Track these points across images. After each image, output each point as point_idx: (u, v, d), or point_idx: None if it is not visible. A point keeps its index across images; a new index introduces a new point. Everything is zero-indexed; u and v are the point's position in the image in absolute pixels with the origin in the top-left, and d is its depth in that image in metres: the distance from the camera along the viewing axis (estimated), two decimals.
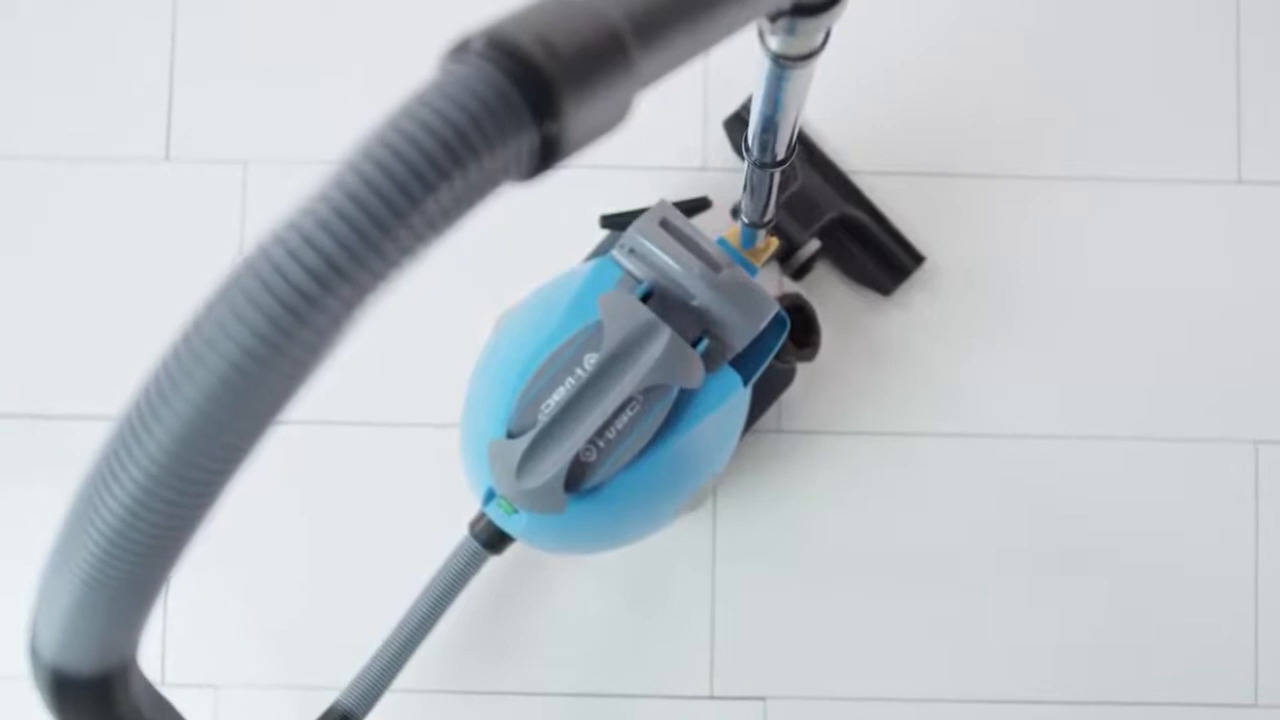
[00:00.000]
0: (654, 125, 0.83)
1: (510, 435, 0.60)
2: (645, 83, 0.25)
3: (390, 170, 0.21)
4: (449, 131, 0.21)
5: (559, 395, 0.60)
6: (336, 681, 0.68)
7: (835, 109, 0.85)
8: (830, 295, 0.86)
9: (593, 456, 0.60)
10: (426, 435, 0.84)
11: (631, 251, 0.63)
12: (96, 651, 0.26)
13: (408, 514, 0.84)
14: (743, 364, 0.63)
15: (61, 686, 0.26)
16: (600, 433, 0.60)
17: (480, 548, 0.67)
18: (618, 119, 0.25)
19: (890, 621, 0.83)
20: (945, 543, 0.84)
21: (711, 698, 0.83)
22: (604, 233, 0.80)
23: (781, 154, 0.51)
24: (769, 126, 0.47)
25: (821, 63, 0.39)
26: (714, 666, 0.83)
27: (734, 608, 0.83)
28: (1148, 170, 0.87)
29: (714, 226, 0.75)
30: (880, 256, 0.84)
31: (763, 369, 0.65)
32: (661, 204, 0.65)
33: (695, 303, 0.62)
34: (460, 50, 0.22)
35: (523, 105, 0.22)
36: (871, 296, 0.85)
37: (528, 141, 0.22)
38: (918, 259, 0.84)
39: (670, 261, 0.62)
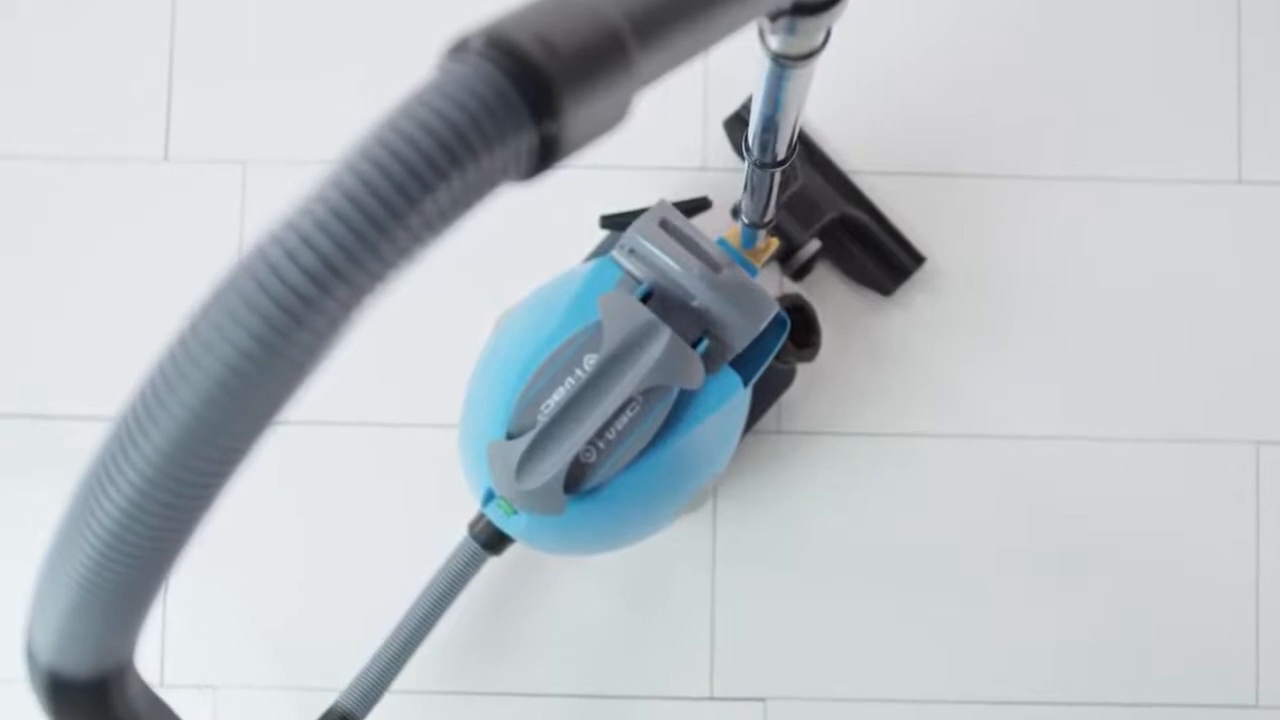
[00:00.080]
0: (654, 125, 0.83)
1: (510, 436, 0.60)
2: (645, 82, 0.25)
3: (388, 170, 0.21)
4: (447, 131, 0.21)
5: (558, 396, 0.60)
6: (336, 682, 0.68)
7: (835, 109, 0.85)
8: (830, 296, 0.86)
9: (592, 457, 0.60)
10: (426, 436, 0.84)
11: (631, 252, 0.63)
12: (93, 654, 0.26)
13: (407, 515, 0.84)
14: (743, 365, 0.63)
15: (58, 689, 0.26)
16: (600, 434, 0.60)
17: (480, 548, 0.66)
18: (617, 119, 0.25)
19: (890, 622, 0.83)
20: (945, 543, 0.84)
21: (711, 699, 0.83)
22: (604, 233, 0.80)
23: (782, 154, 0.51)
24: (769, 126, 0.47)
25: (821, 63, 0.39)
26: (714, 667, 0.83)
27: (734, 609, 0.83)
28: (1148, 170, 0.87)
29: (714, 226, 0.75)
30: (881, 257, 0.84)
31: (763, 370, 0.65)
32: (661, 204, 0.64)
33: (695, 303, 0.62)
34: (459, 49, 0.22)
35: (522, 105, 0.22)
36: (872, 297, 0.85)
37: (527, 141, 0.22)
38: (918, 259, 0.84)
39: (670, 262, 0.62)
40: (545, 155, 0.23)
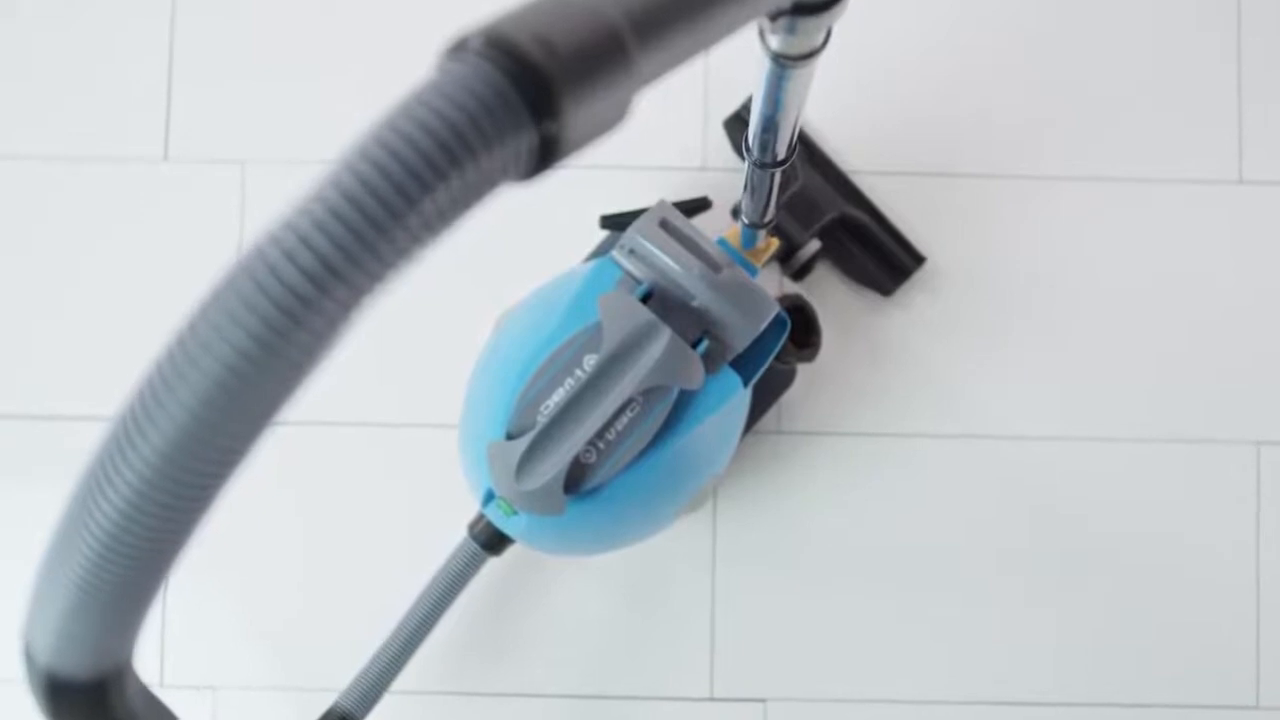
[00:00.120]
0: (654, 125, 0.83)
1: (509, 436, 0.60)
2: (645, 82, 0.25)
3: (387, 170, 0.21)
4: (446, 131, 0.21)
5: (558, 396, 0.59)
6: (335, 683, 0.68)
7: (835, 109, 0.85)
8: (831, 296, 0.86)
9: (592, 458, 0.60)
10: (425, 436, 0.84)
11: (631, 252, 0.63)
12: (91, 656, 0.26)
13: (406, 515, 0.84)
14: (743, 365, 0.63)
15: (56, 691, 0.26)
16: (600, 434, 0.59)
17: (479, 549, 0.66)
18: (617, 118, 0.24)
19: (890, 623, 0.83)
20: (945, 544, 0.84)
21: (711, 699, 0.82)
22: (604, 233, 0.80)
23: (782, 154, 0.51)
24: (769, 126, 0.47)
25: (822, 63, 0.39)
26: (714, 668, 0.83)
27: (734, 609, 0.83)
28: (1149, 170, 0.87)
29: (714, 227, 0.75)
30: (881, 257, 0.84)
31: (763, 370, 0.65)
32: (661, 204, 0.64)
33: (695, 303, 0.62)
34: (458, 49, 0.22)
35: (521, 105, 0.22)
36: (872, 297, 0.85)
37: (526, 141, 0.22)
38: (918, 259, 0.84)
39: (670, 262, 0.62)
40: (545, 155, 0.23)
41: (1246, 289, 0.86)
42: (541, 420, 0.59)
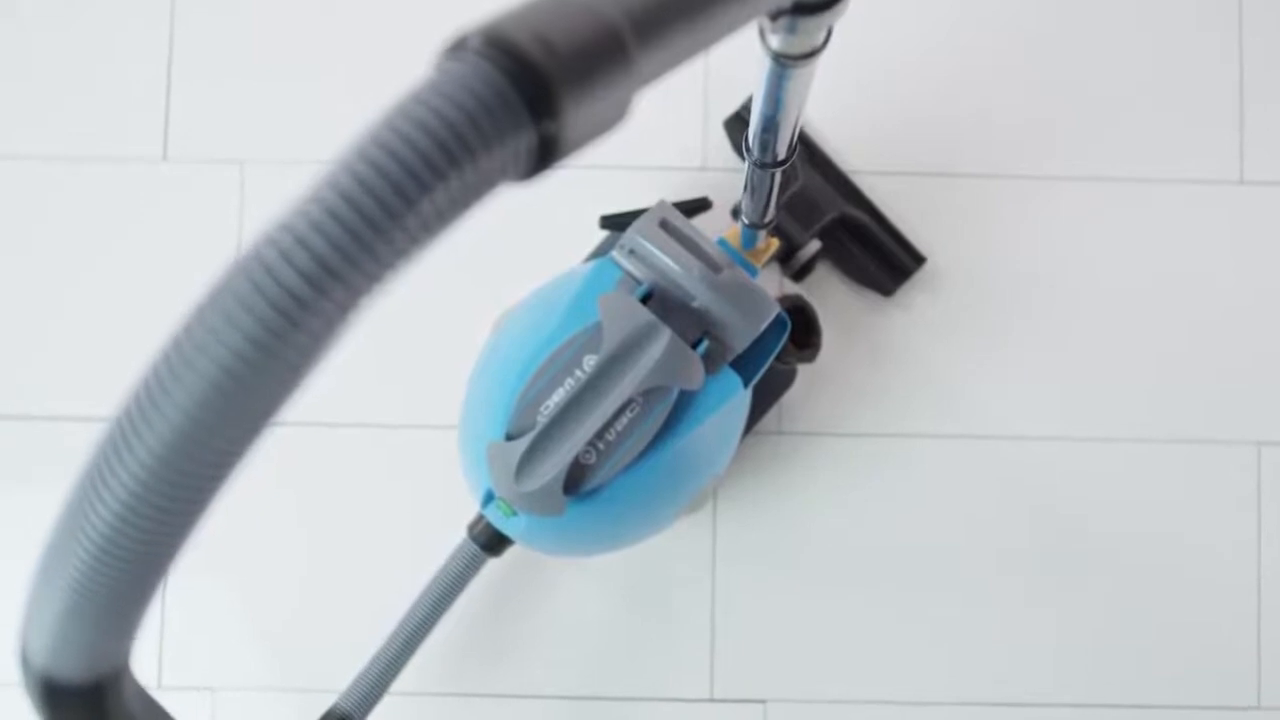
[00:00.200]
0: (654, 125, 0.83)
1: (509, 437, 0.60)
2: (645, 81, 0.24)
3: (385, 170, 0.20)
4: (445, 131, 0.21)
5: (558, 397, 0.59)
6: (335, 684, 0.68)
7: (836, 109, 0.85)
8: (831, 296, 0.85)
9: (592, 459, 0.60)
10: (425, 437, 0.84)
11: (631, 252, 0.63)
12: (87, 658, 0.25)
13: (406, 516, 0.84)
14: (743, 365, 0.63)
15: (52, 694, 0.26)
16: (600, 435, 0.59)
17: (479, 550, 0.66)
18: (617, 118, 0.24)
19: (890, 624, 0.83)
20: (945, 544, 0.84)
21: (711, 700, 0.82)
22: (604, 233, 0.80)
23: (782, 154, 0.51)
24: (770, 126, 0.47)
25: (822, 63, 0.39)
26: (714, 669, 0.83)
27: (734, 610, 0.83)
28: (1149, 170, 0.86)
29: (714, 227, 0.75)
30: (881, 257, 0.84)
31: (763, 370, 0.64)
32: (661, 204, 0.64)
33: (695, 304, 0.62)
34: (457, 48, 0.22)
35: (520, 104, 0.21)
36: (872, 297, 0.85)
37: (525, 141, 0.22)
38: (919, 259, 0.84)
39: (670, 262, 0.62)
40: (544, 155, 0.23)
41: (1247, 289, 0.86)
42: (541, 421, 0.59)
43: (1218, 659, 0.83)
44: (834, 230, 0.83)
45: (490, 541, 0.66)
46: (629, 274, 0.63)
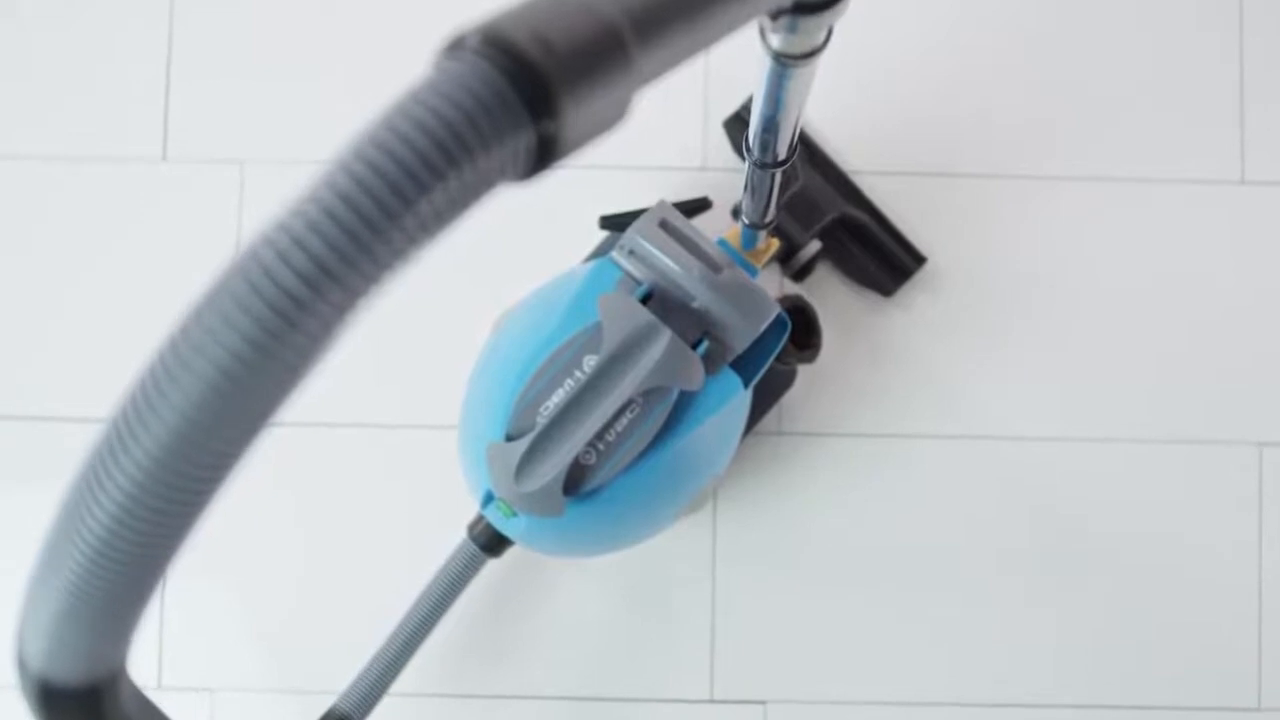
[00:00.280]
0: (654, 125, 0.83)
1: (509, 437, 0.60)
2: (644, 81, 0.24)
3: (383, 170, 0.20)
4: (443, 130, 0.21)
5: (558, 397, 0.59)
6: (334, 685, 0.68)
7: (836, 109, 0.85)
8: (831, 296, 0.85)
9: (592, 459, 0.60)
10: (424, 437, 0.84)
11: (631, 252, 0.63)
12: (84, 661, 0.25)
13: (405, 516, 0.83)
14: (743, 366, 0.63)
15: (49, 697, 0.26)
16: (600, 435, 0.59)
17: (479, 550, 0.66)
18: (616, 118, 0.24)
19: (891, 624, 0.83)
20: (946, 544, 0.84)
21: (711, 701, 0.82)
22: (603, 233, 0.80)
23: (783, 154, 0.51)
24: (770, 126, 0.47)
25: (822, 63, 0.39)
26: (714, 670, 0.82)
27: (734, 611, 0.83)
28: (1150, 170, 0.86)
29: (714, 227, 0.75)
30: (881, 257, 0.84)
31: (763, 371, 0.64)
32: (661, 204, 0.64)
33: (695, 304, 0.62)
34: (455, 47, 0.22)
35: (519, 103, 0.21)
36: (872, 298, 0.85)
37: (524, 141, 0.22)
38: (919, 260, 0.84)
39: (670, 263, 0.62)
40: (543, 155, 0.23)
41: (1248, 289, 0.86)
42: (541, 421, 0.59)
43: (1218, 660, 0.83)
44: (834, 230, 0.83)
45: (490, 542, 0.66)
46: (629, 274, 0.62)
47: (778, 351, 0.65)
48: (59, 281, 0.86)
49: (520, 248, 0.83)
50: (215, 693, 0.82)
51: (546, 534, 0.63)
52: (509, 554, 0.67)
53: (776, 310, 0.63)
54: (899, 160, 0.86)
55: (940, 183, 0.86)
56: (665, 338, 0.59)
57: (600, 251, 0.80)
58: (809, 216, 0.81)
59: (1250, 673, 0.83)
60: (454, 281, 0.83)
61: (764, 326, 0.62)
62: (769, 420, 0.83)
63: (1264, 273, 0.86)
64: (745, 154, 0.53)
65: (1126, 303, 0.86)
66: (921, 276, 0.85)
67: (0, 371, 0.85)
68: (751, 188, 0.58)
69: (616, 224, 0.74)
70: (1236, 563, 0.84)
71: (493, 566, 0.68)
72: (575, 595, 0.83)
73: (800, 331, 0.77)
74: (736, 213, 0.79)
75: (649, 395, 0.60)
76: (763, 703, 0.82)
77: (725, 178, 0.85)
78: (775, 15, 0.33)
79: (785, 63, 0.38)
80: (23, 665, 0.26)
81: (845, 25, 0.36)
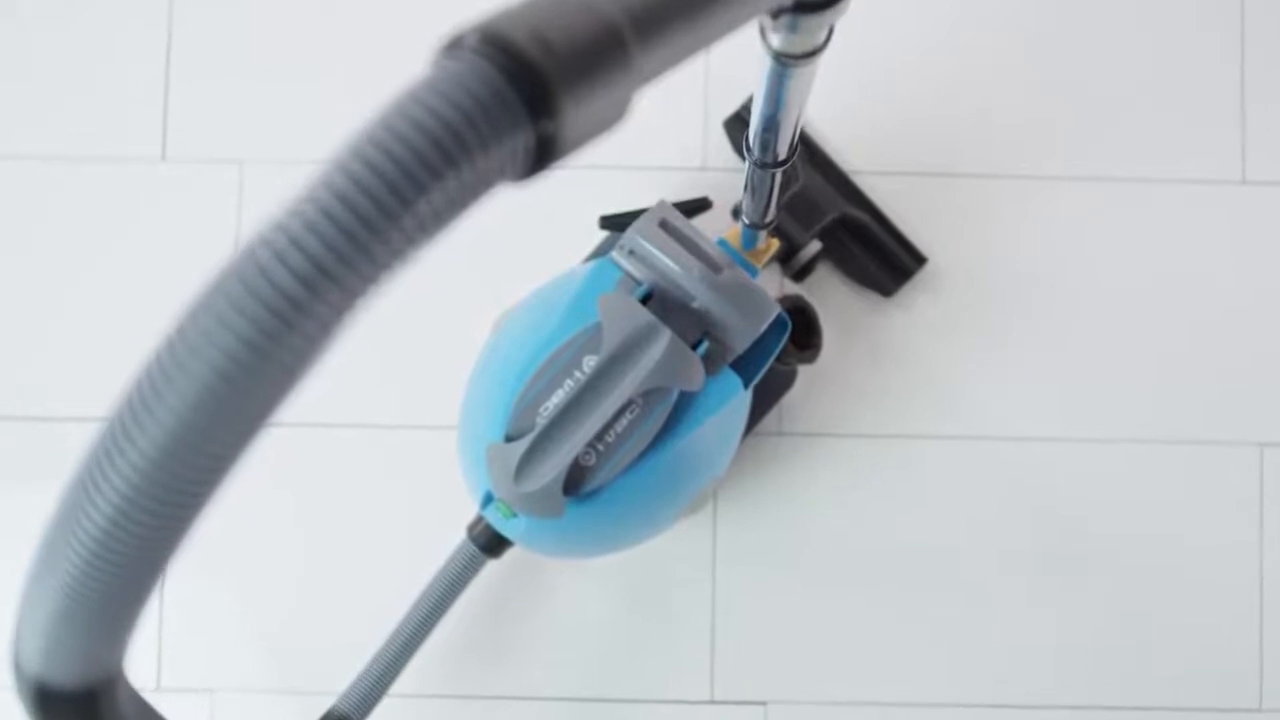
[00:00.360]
0: (654, 125, 0.83)
1: (509, 438, 0.60)
2: (644, 80, 0.24)
3: (381, 169, 0.20)
4: (441, 129, 0.20)
5: (558, 398, 0.59)
6: (334, 686, 0.68)
7: (836, 109, 0.85)
8: (831, 297, 0.85)
9: (592, 460, 0.60)
10: (424, 438, 0.84)
11: (631, 253, 0.63)
12: (81, 664, 0.25)
13: (405, 517, 0.83)
14: (743, 366, 0.63)
15: (45, 700, 0.26)
16: (599, 436, 0.59)
17: (478, 551, 0.66)
18: (616, 117, 0.24)
19: (891, 625, 0.83)
20: (946, 545, 0.84)
21: (712, 702, 0.82)
22: (603, 233, 0.80)
23: (783, 154, 0.51)
24: (770, 126, 0.47)
25: (822, 63, 0.39)
26: (714, 671, 0.82)
27: (735, 611, 0.83)
28: (1150, 170, 0.86)
29: (714, 227, 0.75)
30: (882, 257, 0.84)
31: (764, 371, 0.64)
32: (661, 204, 0.64)
33: (695, 304, 0.62)
34: (454, 46, 0.22)
35: (518, 103, 0.21)
36: (873, 298, 0.85)
37: (523, 140, 0.22)
38: (919, 260, 0.84)
39: (670, 263, 0.62)
40: (542, 155, 0.22)
41: (1249, 289, 0.86)
42: (541, 422, 0.59)
43: (1219, 661, 0.83)
44: (834, 230, 0.83)
45: (489, 543, 0.66)
46: (629, 274, 0.62)
47: (778, 352, 0.65)
48: (59, 281, 0.86)
49: (520, 248, 0.83)
50: (215, 693, 0.82)
51: (546, 535, 0.63)
52: (509, 555, 0.67)
53: (777, 310, 0.63)
54: (899, 160, 0.86)
55: (940, 183, 0.86)
56: (665, 338, 0.59)
57: (600, 251, 0.80)
58: (809, 216, 0.81)
59: (1251, 673, 0.83)
60: (454, 281, 0.83)
61: (764, 327, 0.62)
62: (769, 421, 0.83)
63: (1265, 273, 0.86)
64: (745, 154, 0.52)
65: (1127, 303, 0.85)
66: (922, 276, 0.84)
67: (0, 371, 0.85)
68: (752, 188, 0.58)
69: (616, 224, 0.73)
70: (1237, 563, 0.84)
71: (492, 567, 0.68)
72: (575, 596, 0.83)
73: (800, 332, 0.76)
74: (736, 213, 0.79)
75: (649, 396, 0.59)
76: (763, 703, 0.82)
77: (725, 178, 0.85)
78: (776, 14, 0.33)
79: (786, 62, 0.38)
80: (19, 667, 0.26)
81: (845, 25, 0.36)
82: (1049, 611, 0.83)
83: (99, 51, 0.87)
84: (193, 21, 0.88)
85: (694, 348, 0.60)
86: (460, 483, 0.67)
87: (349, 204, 0.20)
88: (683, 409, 0.61)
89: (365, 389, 0.84)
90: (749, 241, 0.71)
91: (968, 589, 0.83)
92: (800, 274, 0.83)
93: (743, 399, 0.64)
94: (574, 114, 0.22)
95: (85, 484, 0.22)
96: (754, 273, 0.71)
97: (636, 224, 0.63)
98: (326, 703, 0.67)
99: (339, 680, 0.68)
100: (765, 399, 0.80)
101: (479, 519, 0.66)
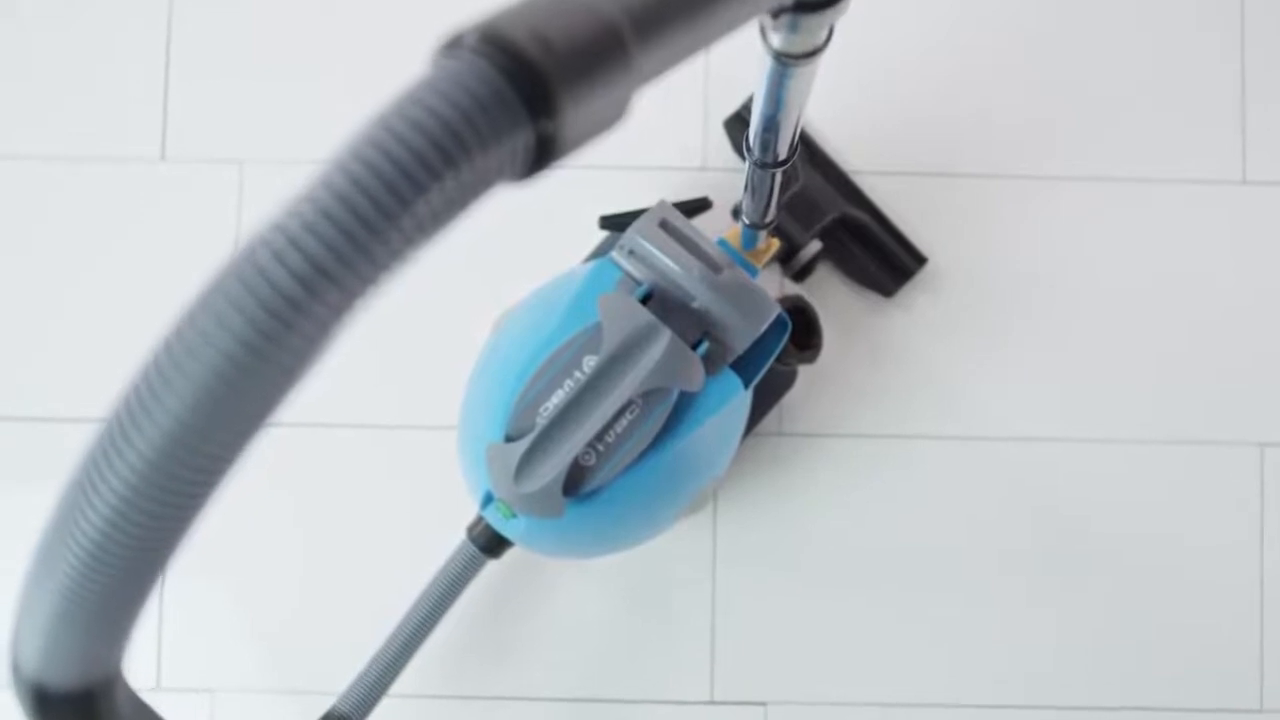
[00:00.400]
0: (654, 124, 0.83)
1: (509, 438, 0.60)
2: (644, 80, 0.24)
3: (379, 170, 0.20)
4: (441, 129, 0.20)
5: (558, 398, 0.59)
6: (334, 686, 0.68)
7: (836, 109, 0.85)
8: (832, 297, 0.85)
9: (592, 460, 0.59)
10: (424, 438, 0.84)
11: (631, 253, 0.62)
12: (79, 665, 0.25)
13: (405, 517, 0.83)
14: (744, 366, 0.63)
15: (43, 701, 0.26)
16: (599, 436, 0.59)
17: (478, 551, 0.66)
18: (616, 117, 0.24)
19: (891, 625, 0.83)
20: (946, 545, 0.83)
21: (712, 703, 0.82)
22: (603, 233, 0.80)
23: (783, 154, 0.51)
24: (771, 126, 0.47)
25: (822, 63, 0.39)
26: (714, 671, 0.82)
27: (734, 612, 0.83)
28: (1151, 170, 0.86)
29: (714, 227, 0.75)
30: (882, 258, 0.84)
31: (764, 371, 0.64)
32: (661, 204, 0.64)
33: (695, 304, 0.62)
34: (453, 46, 0.22)
35: (517, 102, 0.21)
36: (873, 298, 0.85)
37: (523, 140, 0.22)
38: (920, 260, 0.84)
39: (670, 263, 0.62)
40: (542, 155, 0.22)
41: (1249, 289, 0.86)
42: (541, 422, 0.59)
43: (1219, 661, 0.83)
44: (835, 231, 0.83)
45: (489, 543, 0.66)
46: (629, 274, 0.62)
47: (778, 352, 0.65)
48: (59, 281, 0.86)
49: (520, 248, 0.83)
50: (215, 693, 0.82)
51: (546, 535, 0.63)
52: (509, 555, 0.67)
53: (777, 310, 0.63)
54: (899, 160, 0.86)
55: (940, 183, 0.86)
56: (665, 338, 0.59)
57: (600, 251, 0.80)
58: (809, 216, 0.81)
59: (1252, 673, 0.83)
60: (454, 281, 0.83)
61: (764, 327, 0.62)
62: (769, 421, 0.83)
63: (1265, 273, 0.86)
64: (745, 154, 0.52)
65: (1127, 303, 0.85)
66: (922, 276, 0.84)
67: (0, 371, 0.85)
68: (752, 188, 0.58)
69: (616, 224, 0.73)
70: (1237, 563, 0.83)
71: (492, 567, 0.68)
72: (575, 596, 0.83)
73: (800, 332, 0.76)
74: (736, 213, 0.79)
75: (649, 396, 0.59)
76: (763, 704, 0.82)
77: (725, 178, 0.85)
78: (776, 14, 0.33)
79: (786, 62, 0.38)
80: (17, 668, 0.26)
81: (845, 25, 0.36)
82: (1049, 611, 0.83)
83: (99, 51, 0.87)
84: (193, 21, 0.87)
85: (694, 348, 0.60)
86: (460, 483, 0.67)
87: (348, 204, 0.20)
88: (683, 409, 0.61)
89: (365, 389, 0.84)
90: (749, 241, 0.71)
91: (968, 589, 0.83)
92: (800, 274, 0.83)
93: (743, 399, 0.64)
94: (574, 113, 0.22)
95: (84, 485, 0.22)
96: (754, 273, 0.71)
97: (636, 224, 0.63)
98: (326, 703, 0.67)
99: (339, 680, 0.68)
100: (765, 399, 0.80)
101: (479, 519, 0.66)
